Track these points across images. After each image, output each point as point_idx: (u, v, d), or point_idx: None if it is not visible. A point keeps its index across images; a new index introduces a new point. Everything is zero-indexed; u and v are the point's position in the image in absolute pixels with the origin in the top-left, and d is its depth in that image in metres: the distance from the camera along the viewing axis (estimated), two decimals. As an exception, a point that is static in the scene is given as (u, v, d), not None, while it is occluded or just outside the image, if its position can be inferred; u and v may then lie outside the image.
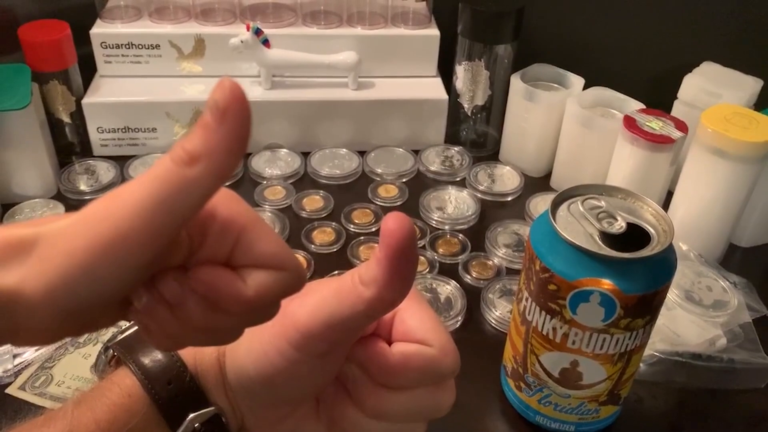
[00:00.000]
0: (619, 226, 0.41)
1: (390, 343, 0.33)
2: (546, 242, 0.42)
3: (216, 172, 0.23)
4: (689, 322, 0.55)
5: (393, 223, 0.28)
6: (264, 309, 0.28)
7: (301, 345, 0.31)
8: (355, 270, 0.30)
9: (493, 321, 0.57)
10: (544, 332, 0.43)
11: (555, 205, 0.43)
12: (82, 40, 0.72)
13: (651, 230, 0.41)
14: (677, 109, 0.70)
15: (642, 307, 0.40)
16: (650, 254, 0.39)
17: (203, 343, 0.30)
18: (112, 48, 0.74)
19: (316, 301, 0.31)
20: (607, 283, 0.39)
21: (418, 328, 0.33)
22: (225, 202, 0.27)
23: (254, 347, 0.33)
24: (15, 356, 0.51)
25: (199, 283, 0.26)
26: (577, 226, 0.42)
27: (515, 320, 0.46)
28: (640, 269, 0.40)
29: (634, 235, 0.41)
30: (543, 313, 0.43)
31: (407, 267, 0.29)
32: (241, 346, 0.34)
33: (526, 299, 0.44)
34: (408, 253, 0.28)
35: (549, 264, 0.41)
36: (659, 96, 0.71)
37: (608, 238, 0.41)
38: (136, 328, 0.37)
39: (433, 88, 0.77)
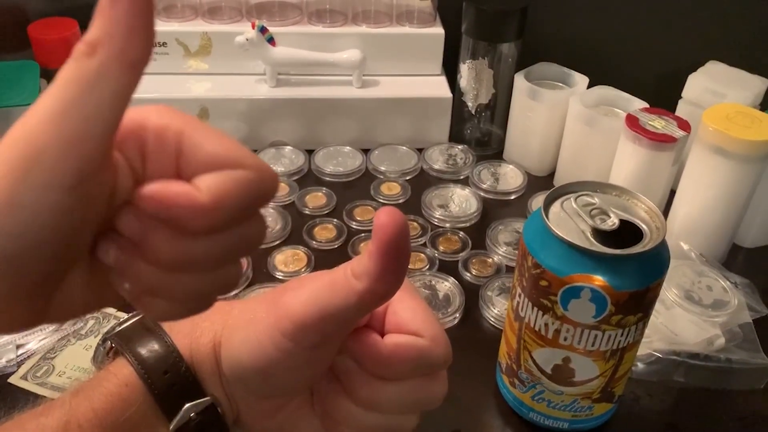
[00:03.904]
0: (611, 222, 0.41)
1: (383, 335, 0.34)
2: (538, 239, 0.42)
3: (119, 56, 0.21)
4: (688, 321, 0.55)
5: (385, 217, 0.28)
6: (232, 221, 0.24)
7: (294, 336, 0.32)
8: (348, 263, 0.31)
9: (491, 318, 0.58)
10: (537, 328, 0.43)
11: (548, 202, 0.43)
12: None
13: (644, 227, 0.41)
14: (682, 109, 0.70)
15: (634, 303, 0.40)
16: (642, 251, 0.39)
17: (192, 304, 0.27)
18: (120, 45, 0.75)
19: (310, 293, 0.31)
20: (598, 280, 0.39)
21: (411, 319, 0.33)
22: (156, 112, 0.24)
23: (249, 338, 0.33)
24: (18, 346, 0.52)
25: (146, 200, 0.23)
26: (570, 223, 0.42)
27: (509, 317, 0.47)
28: (631, 266, 0.40)
29: (628, 232, 0.42)
30: (535, 309, 0.43)
31: (399, 261, 0.29)
32: (235, 337, 0.35)
33: (519, 295, 0.44)
34: (400, 247, 0.29)
35: (541, 260, 0.41)
36: (664, 95, 0.71)
37: (601, 235, 0.41)
38: (134, 320, 0.38)
39: (438, 87, 0.78)
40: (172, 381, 0.35)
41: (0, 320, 0.24)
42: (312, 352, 0.33)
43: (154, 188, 0.22)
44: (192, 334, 0.36)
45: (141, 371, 0.35)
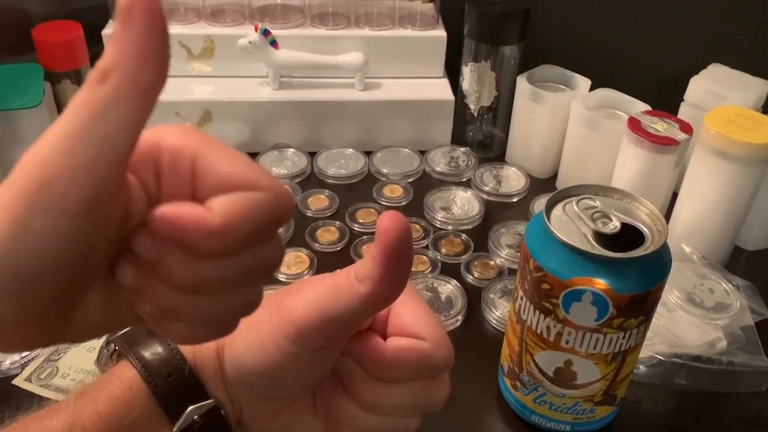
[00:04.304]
0: (613, 226, 0.41)
1: (385, 338, 0.34)
2: (540, 242, 0.42)
3: (131, 83, 0.20)
4: (689, 324, 0.55)
5: (389, 221, 0.28)
6: (247, 243, 0.24)
7: (297, 339, 0.32)
8: (351, 267, 0.31)
9: (493, 321, 0.58)
10: (539, 331, 0.43)
11: (550, 206, 0.43)
12: (95, 40, 0.73)
13: (645, 230, 0.42)
14: (684, 111, 0.70)
15: (635, 306, 0.40)
16: (643, 254, 0.40)
17: (211, 327, 0.27)
18: (124, 48, 0.75)
19: (313, 296, 0.31)
20: (599, 283, 0.40)
21: (413, 322, 0.34)
22: (171, 132, 0.24)
23: (252, 341, 0.34)
24: (22, 349, 0.52)
25: (158, 223, 0.22)
26: (571, 226, 0.42)
27: (511, 319, 0.47)
28: (633, 269, 0.40)
29: (629, 235, 0.42)
30: (537, 312, 0.43)
31: (402, 265, 0.29)
32: (239, 339, 0.35)
33: (521, 298, 0.44)
34: (403, 251, 0.29)
35: (542, 263, 0.41)
36: (666, 98, 0.71)
37: (602, 238, 0.41)
38: None
39: (440, 89, 0.78)
40: (175, 384, 0.35)
41: (16, 340, 0.24)
42: (315, 354, 0.33)
43: (166, 210, 0.22)
44: None
45: (144, 374, 0.35)
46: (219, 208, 0.23)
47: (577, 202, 0.43)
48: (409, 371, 0.34)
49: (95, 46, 0.74)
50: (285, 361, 0.33)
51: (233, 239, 0.23)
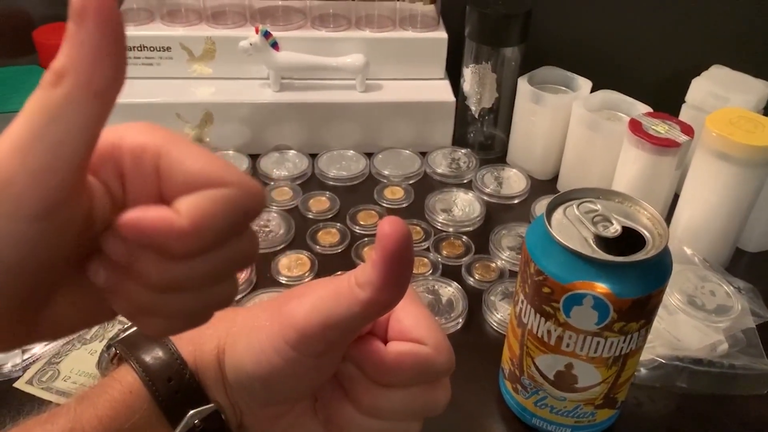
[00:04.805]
0: (614, 229, 0.41)
1: (386, 342, 0.34)
2: (540, 245, 0.42)
3: (85, 87, 0.20)
4: (691, 326, 0.55)
5: (389, 227, 0.28)
6: (219, 240, 0.24)
7: (298, 344, 0.32)
8: (351, 272, 0.31)
9: (494, 323, 0.58)
10: (539, 335, 0.43)
11: (551, 209, 0.43)
12: (96, 42, 0.73)
13: (646, 234, 0.42)
14: (685, 113, 0.69)
15: (636, 310, 0.40)
16: (644, 258, 0.39)
17: (188, 320, 0.27)
18: (125, 50, 0.75)
19: (314, 302, 0.31)
20: (600, 287, 0.39)
21: (414, 327, 0.34)
22: (133, 130, 0.23)
23: (252, 345, 0.34)
24: (23, 351, 0.52)
25: (125, 228, 0.22)
26: (572, 230, 0.42)
27: (512, 323, 0.47)
28: (634, 273, 0.40)
29: (630, 239, 0.42)
30: (538, 315, 0.43)
31: (402, 270, 0.29)
32: (239, 344, 0.35)
33: (522, 302, 0.44)
34: (403, 256, 0.29)
35: (543, 267, 0.41)
36: (667, 99, 0.71)
37: (603, 242, 0.41)
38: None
39: (441, 91, 0.78)
40: (176, 388, 0.35)
41: None
42: (315, 360, 0.33)
43: (130, 217, 0.22)
44: (196, 341, 0.36)
45: (145, 378, 0.35)
46: (186, 209, 0.22)
47: (578, 206, 0.43)
48: (410, 376, 0.34)
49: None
50: (285, 367, 0.33)
51: (204, 239, 0.23)
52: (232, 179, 0.23)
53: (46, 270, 0.22)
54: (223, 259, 0.25)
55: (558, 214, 0.43)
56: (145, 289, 0.24)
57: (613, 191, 0.44)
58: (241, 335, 0.35)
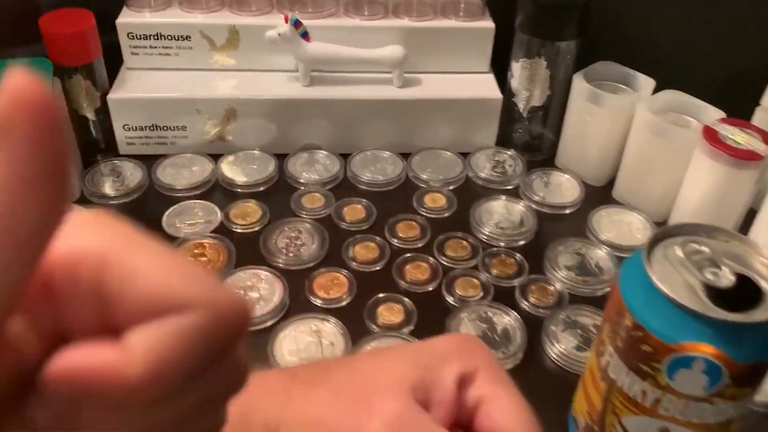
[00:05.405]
0: (726, 279, 0.35)
1: None
2: (640, 294, 0.36)
3: (3, 236, 0.14)
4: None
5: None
6: (189, 379, 0.18)
7: None
8: None
9: (553, 356, 0.52)
10: (632, 395, 0.38)
11: (650, 249, 0.37)
12: (107, 29, 0.67)
13: (764, 285, 0.35)
14: (759, 118, 0.63)
15: (754, 375, 0.35)
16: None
17: None
18: (140, 39, 0.68)
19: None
20: (713, 349, 0.34)
21: (507, 424, 0.28)
22: (66, 229, 0.16)
23: None
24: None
25: (54, 386, 0.16)
26: (676, 276, 0.36)
27: (593, 374, 0.41)
28: (754, 334, 0.34)
29: (740, 287, 0.36)
30: (631, 373, 0.37)
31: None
32: None
33: (611, 355, 0.38)
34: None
35: (644, 322, 0.35)
36: (737, 101, 0.64)
37: (713, 292, 0.35)
38: None
39: (486, 86, 0.71)
40: None
41: None
42: None
43: (60, 367, 0.16)
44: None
45: None
46: (139, 349, 0.16)
47: (682, 247, 0.37)
48: None
49: (108, 35, 0.67)
50: None
51: (166, 384, 0.17)
52: (200, 299, 0.17)
53: None
54: (200, 396, 0.19)
55: (657, 254, 0.37)
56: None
57: (721, 229, 0.38)
58: (302, 428, 0.29)
